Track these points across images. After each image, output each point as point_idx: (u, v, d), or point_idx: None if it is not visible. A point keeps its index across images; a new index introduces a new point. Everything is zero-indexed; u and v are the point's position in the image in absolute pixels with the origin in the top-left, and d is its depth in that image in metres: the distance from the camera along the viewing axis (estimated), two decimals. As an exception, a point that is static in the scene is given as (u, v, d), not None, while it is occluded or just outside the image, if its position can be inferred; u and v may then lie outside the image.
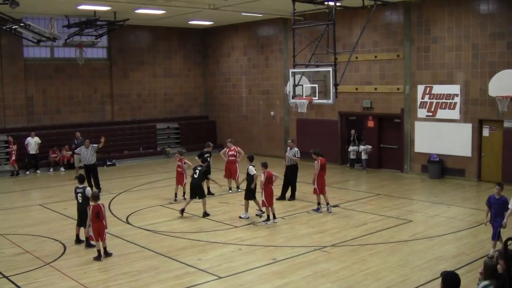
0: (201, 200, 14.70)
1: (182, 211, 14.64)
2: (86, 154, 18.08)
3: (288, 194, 16.59)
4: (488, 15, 18.14)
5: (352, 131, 22.40)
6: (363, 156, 21.71)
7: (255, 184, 14.18)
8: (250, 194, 14.29)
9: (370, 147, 21.60)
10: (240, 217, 14.39)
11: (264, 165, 14.03)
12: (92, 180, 17.91)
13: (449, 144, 19.35)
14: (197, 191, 14.61)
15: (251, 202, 14.39)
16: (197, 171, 14.63)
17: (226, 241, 12.34)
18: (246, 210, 14.40)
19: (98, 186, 17.97)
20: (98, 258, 11.10)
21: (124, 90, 26.88)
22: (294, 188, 16.64)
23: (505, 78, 17.10)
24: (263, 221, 13.86)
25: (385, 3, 18.80)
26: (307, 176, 17.20)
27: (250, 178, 14.18)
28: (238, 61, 27.66)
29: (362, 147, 21.69)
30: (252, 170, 14.22)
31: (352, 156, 22.30)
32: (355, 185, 19.39)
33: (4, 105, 23.30)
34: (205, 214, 14.65)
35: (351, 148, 22.21)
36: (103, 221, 11.20)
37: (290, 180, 16.50)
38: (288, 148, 16.75)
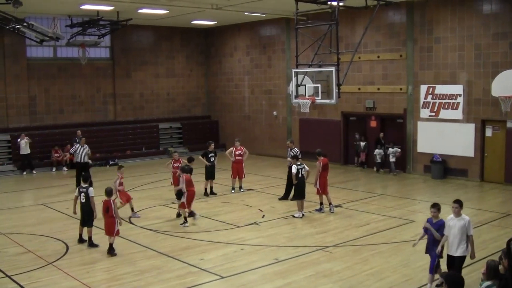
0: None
1: (178, 214, 14.57)
2: (81, 152, 18.39)
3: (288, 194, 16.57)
4: (491, 15, 18.11)
5: (381, 134, 21.48)
6: (391, 159, 20.72)
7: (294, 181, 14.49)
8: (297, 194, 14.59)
9: (399, 150, 20.68)
10: (293, 216, 14.47)
11: (184, 170, 13.85)
12: (79, 177, 17.87)
13: (451, 144, 19.31)
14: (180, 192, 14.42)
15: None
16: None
17: (229, 241, 12.35)
18: (299, 209, 14.49)
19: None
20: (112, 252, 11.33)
21: (127, 89, 26.90)
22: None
23: (508, 78, 17.04)
24: (181, 223, 13.73)
25: (388, 3, 18.75)
26: (309, 176, 17.13)
27: (296, 177, 14.43)
28: (240, 61, 27.65)
29: (390, 150, 20.72)
30: (294, 168, 14.48)
31: (378, 160, 21.26)
32: (357, 185, 19.34)
33: (7, 105, 23.35)
34: (191, 214, 14.51)
35: (376, 151, 21.22)
36: (114, 217, 11.29)
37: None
38: (289, 149, 16.72)
